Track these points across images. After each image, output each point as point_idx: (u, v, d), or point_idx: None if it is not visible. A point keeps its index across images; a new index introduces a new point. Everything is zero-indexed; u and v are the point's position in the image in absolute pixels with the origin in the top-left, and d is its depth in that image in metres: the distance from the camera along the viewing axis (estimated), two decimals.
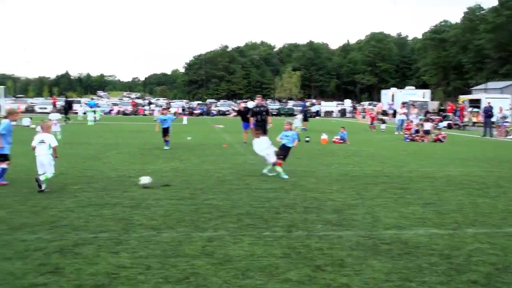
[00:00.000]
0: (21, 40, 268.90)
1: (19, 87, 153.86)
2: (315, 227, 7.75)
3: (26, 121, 31.97)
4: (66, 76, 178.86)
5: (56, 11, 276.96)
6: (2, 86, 55.89)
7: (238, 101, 53.10)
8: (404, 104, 40.54)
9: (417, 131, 28.04)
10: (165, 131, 19.79)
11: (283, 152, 13.16)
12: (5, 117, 11.72)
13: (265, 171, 13.05)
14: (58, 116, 25.93)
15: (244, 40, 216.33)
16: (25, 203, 9.06)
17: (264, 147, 13.09)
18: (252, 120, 19.35)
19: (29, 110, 58.86)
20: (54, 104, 46.36)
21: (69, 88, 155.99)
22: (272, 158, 12.82)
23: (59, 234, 7.09)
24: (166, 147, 19.32)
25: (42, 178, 10.13)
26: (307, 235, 7.24)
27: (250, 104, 25.29)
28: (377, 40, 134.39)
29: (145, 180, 10.85)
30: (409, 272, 5.76)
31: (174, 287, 5.19)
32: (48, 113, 34.20)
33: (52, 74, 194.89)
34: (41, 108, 59.61)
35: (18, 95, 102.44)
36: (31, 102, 69.24)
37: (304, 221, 8.08)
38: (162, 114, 21.66)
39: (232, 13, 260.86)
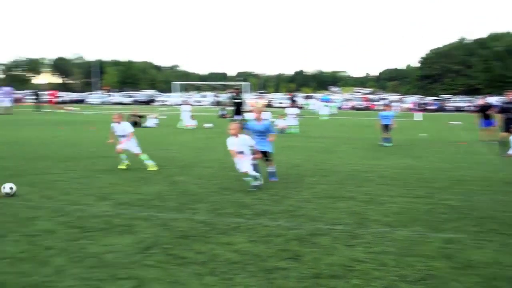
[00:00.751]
0: (263, 39, 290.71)
1: (260, 84, 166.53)
2: None
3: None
4: (301, 73, 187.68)
5: (298, 13, 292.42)
6: (248, 83, 61.51)
7: (479, 97, 49.10)
8: None
9: None
10: (385, 128, 19.37)
11: None
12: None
13: None
14: (296, 110, 27.25)
15: (486, 31, 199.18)
16: (266, 192, 9.75)
17: None
18: (501, 117, 17.63)
19: (268, 105, 63.37)
20: (292, 99, 49.00)
21: (303, 84, 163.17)
22: None
23: (297, 223, 7.47)
24: (386, 144, 18.89)
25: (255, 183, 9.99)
26: None
27: (492, 100, 23.29)
28: None
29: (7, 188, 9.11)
30: None
31: (411, 287, 5.05)
32: (285, 107, 36.28)
33: (289, 71, 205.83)
34: (279, 103, 63.67)
35: (261, 91, 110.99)
36: (270, 97, 74.45)
37: None
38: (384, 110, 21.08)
39: (472, 4, 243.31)
